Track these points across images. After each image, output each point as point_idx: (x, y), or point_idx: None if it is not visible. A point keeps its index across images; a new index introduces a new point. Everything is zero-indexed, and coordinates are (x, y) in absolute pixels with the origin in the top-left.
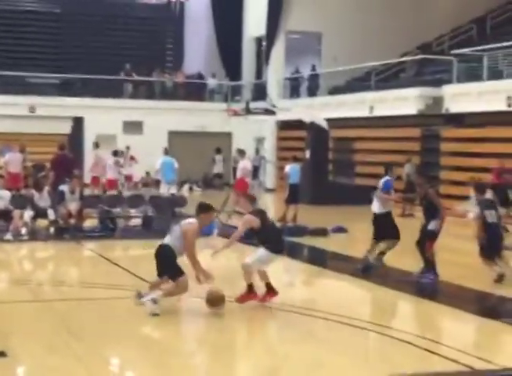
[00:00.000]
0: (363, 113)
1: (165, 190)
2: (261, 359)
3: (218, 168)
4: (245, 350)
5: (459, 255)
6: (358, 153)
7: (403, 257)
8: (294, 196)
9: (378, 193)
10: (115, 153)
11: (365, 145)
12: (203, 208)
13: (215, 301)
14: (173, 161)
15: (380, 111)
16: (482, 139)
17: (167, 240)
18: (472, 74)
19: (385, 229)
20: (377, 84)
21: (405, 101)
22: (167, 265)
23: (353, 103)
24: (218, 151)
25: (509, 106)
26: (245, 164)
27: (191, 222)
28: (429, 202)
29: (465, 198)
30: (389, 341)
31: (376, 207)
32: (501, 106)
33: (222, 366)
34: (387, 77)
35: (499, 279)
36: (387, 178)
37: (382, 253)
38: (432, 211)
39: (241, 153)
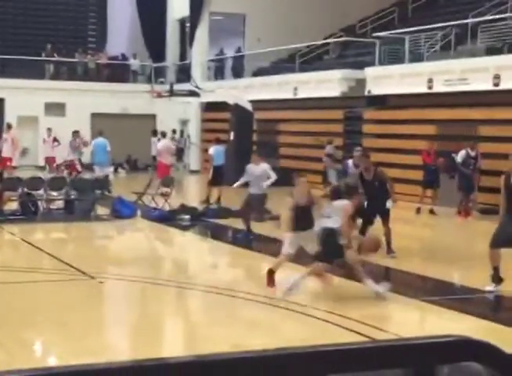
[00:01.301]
0: (287, 94)
1: (98, 172)
2: (181, 340)
3: (155, 150)
4: (163, 332)
5: None
6: (282, 135)
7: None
8: (218, 178)
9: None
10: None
11: (289, 127)
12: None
13: (374, 245)
14: (106, 143)
15: (304, 93)
16: (404, 121)
17: (331, 223)
18: (394, 57)
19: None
20: (301, 66)
21: (328, 83)
22: (338, 247)
23: (277, 85)
24: (155, 133)
25: (429, 88)
26: (164, 144)
27: (348, 203)
28: (381, 182)
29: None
30: (310, 320)
31: None
32: (422, 88)
33: (144, 346)
34: (311, 59)
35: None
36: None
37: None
38: (385, 190)
39: (155, 134)
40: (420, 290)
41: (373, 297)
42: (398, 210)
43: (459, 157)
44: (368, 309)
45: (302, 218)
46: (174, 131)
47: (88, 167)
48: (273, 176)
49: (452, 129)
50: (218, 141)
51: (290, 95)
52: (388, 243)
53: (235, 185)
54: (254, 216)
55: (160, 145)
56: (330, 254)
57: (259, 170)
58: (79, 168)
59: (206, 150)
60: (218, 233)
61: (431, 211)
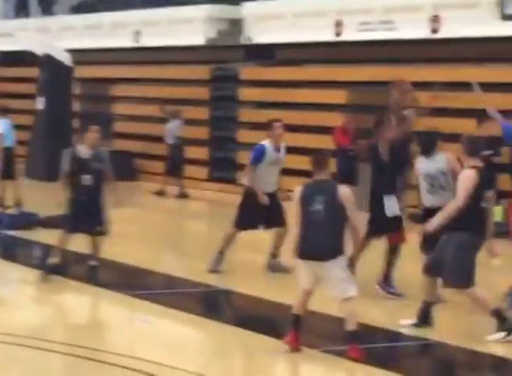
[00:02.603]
0: (125, 42)
1: None
2: None
3: None
4: None
5: None
6: (118, 103)
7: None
8: (12, 166)
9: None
10: None
11: (129, 90)
12: None
13: None
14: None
15: (151, 40)
16: (300, 83)
17: None
18: None
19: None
20: (146, 0)
21: (187, 25)
22: None
23: (109, 27)
24: None
25: (338, 34)
26: None
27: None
28: None
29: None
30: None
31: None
32: (327, 34)
33: None
34: None
35: None
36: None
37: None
38: None
39: None
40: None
41: None
42: None
43: None
44: None
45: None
46: None
47: None
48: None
49: (370, 96)
50: (4, 111)
51: (129, 43)
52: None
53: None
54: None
55: None
56: None
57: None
58: None
59: None
60: (12, 251)
61: None
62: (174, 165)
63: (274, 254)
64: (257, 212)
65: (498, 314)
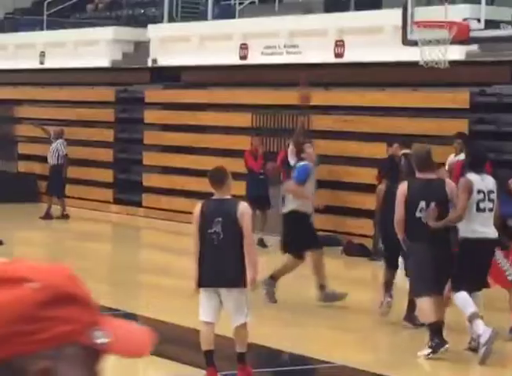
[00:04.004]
0: (30, 63)
1: None
2: None
3: None
4: None
5: None
6: (24, 125)
7: None
8: None
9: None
10: None
11: (35, 112)
12: None
13: None
14: None
15: (55, 61)
16: (206, 106)
17: None
18: (192, 11)
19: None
20: (52, 21)
21: (93, 47)
22: None
23: (15, 48)
24: None
25: (243, 58)
26: None
27: None
28: None
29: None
30: None
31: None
32: (233, 58)
33: None
34: (67, 10)
35: None
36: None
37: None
38: None
39: None
40: None
41: None
42: None
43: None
44: None
45: None
46: None
47: None
48: None
49: (275, 119)
50: None
51: (34, 64)
52: None
53: None
54: None
55: None
56: None
57: None
58: None
59: None
60: None
61: (261, 241)
62: (56, 186)
63: (322, 286)
64: (313, 233)
65: (436, 329)
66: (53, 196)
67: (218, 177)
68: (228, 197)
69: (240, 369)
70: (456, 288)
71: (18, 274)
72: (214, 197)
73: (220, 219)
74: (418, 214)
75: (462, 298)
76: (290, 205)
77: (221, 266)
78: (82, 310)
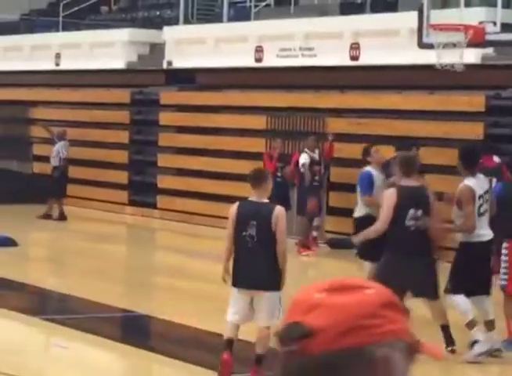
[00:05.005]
0: (46, 64)
1: None
2: None
3: None
4: None
5: None
6: (38, 126)
7: None
8: None
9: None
10: None
11: (50, 113)
12: None
13: None
14: None
15: (71, 63)
16: (220, 108)
17: None
18: (207, 13)
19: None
20: (67, 23)
21: (108, 48)
22: None
23: (30, 50)
24: None
25: (258, 60)
26: None
27: None
28: None
29: (194, 195)
30: None
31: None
32: (248, 61)
33: None
34: (82, 12)
35: None
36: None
37: None
38: None
39: None
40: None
41: None
42: None
43: (301, 164)
44: None
45: None
46: None
47: None
48: None
49: (290, 121)
50: None
51: (49, 66)
52: None
53: None
54: None
55: None
56: None
57: None
58: None
59: None
60: None
61: None
62: (58, 187)
63: None
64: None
65: None
66: (53, 197)
67: (255, 178)
68: (265, 200)
69: (255, 371)
70: (455, 291)
71: (357, 283)
72: (250, 199)
73: (255, 223)
74: (408, 222)
75: (461, 302)
76: (363, 209)
77: (254, 269)
78: (402, 315)
